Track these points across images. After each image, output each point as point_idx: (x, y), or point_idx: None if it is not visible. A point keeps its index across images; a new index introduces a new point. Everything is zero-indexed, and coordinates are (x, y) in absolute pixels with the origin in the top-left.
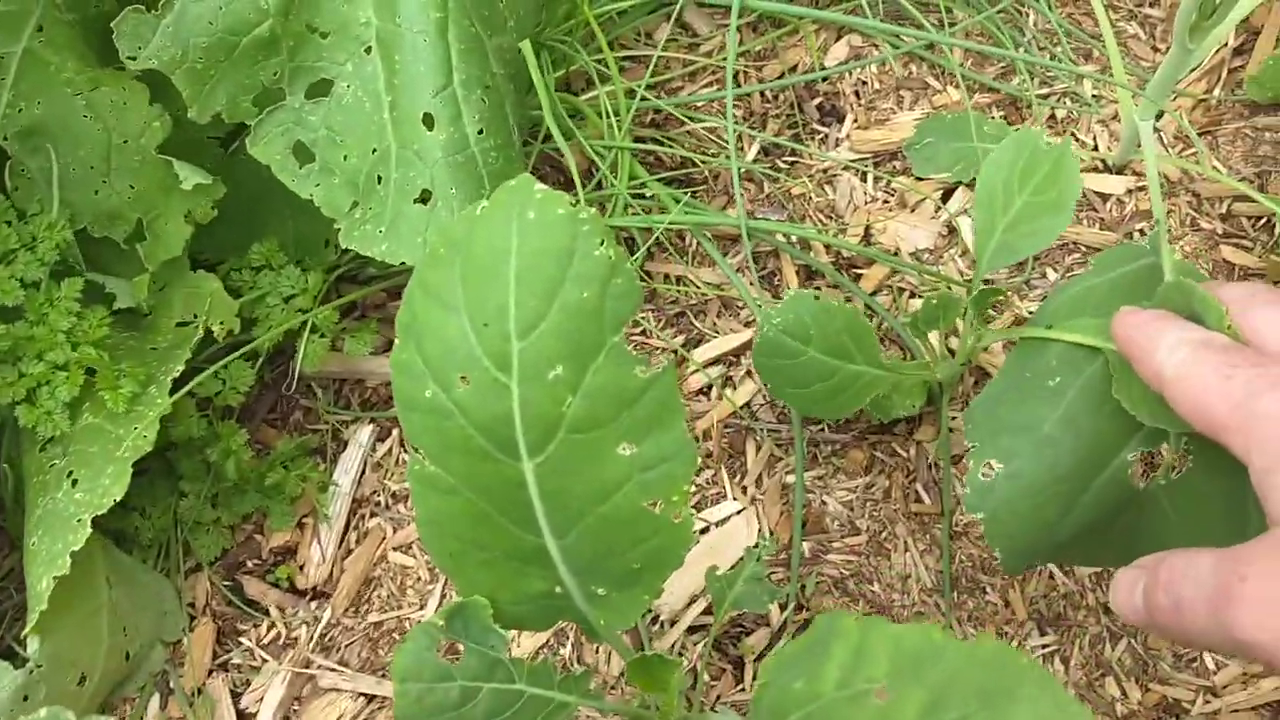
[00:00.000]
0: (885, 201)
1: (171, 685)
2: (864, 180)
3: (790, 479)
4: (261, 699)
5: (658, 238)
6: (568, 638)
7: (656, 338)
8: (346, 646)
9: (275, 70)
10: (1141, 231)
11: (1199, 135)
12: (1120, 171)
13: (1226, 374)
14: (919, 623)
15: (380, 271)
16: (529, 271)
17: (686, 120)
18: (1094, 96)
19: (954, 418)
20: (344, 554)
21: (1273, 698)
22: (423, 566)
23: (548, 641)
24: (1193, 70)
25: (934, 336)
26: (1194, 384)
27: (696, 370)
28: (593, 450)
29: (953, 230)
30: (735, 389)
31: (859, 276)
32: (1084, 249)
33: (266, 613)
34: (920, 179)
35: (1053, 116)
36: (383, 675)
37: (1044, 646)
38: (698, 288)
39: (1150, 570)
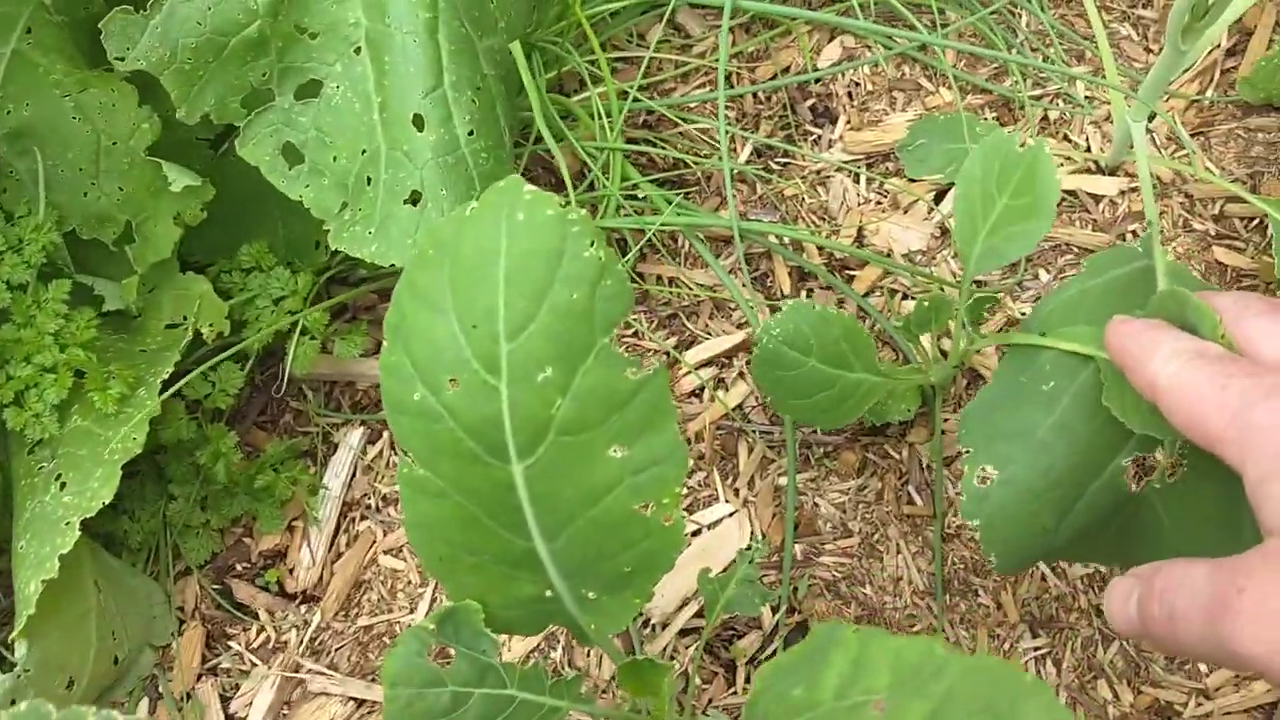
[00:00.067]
0: (878, 203)
1: (160, 689)
2: (857, 181)
3: (782, 481)
4: (251, 703)
5: (650, 239)
6: (559, 641)
7: (649, 339)
8: (336, 650)
9: (264, 71)
10: (1134, 233)
11: (1191, 136)
12: (1113, 173)
13: (1221, 384)
14: (915, 629)
15: (370, 273)
16: (518, 273)
17: (679, 121)
18: (1086, 98)
19: (946, 419)
20: (334, 557)
21: (1265, 699)
22: (413, 570)
23: (539, 645)
24: (1185, 71)
25: (926, 339)
26: (1188, 394)
27: (689, 372)
28: (583, 453)
29: (945, 231)
30: (727, 391)
31: (852, 278)
32: (1077, 250)
33: (256, 616)
34: (913, 180)
35: (1045, 118)
36: (373, 679)
37: (1036, 649)
38: (690, 289)
39: (1145, 580)
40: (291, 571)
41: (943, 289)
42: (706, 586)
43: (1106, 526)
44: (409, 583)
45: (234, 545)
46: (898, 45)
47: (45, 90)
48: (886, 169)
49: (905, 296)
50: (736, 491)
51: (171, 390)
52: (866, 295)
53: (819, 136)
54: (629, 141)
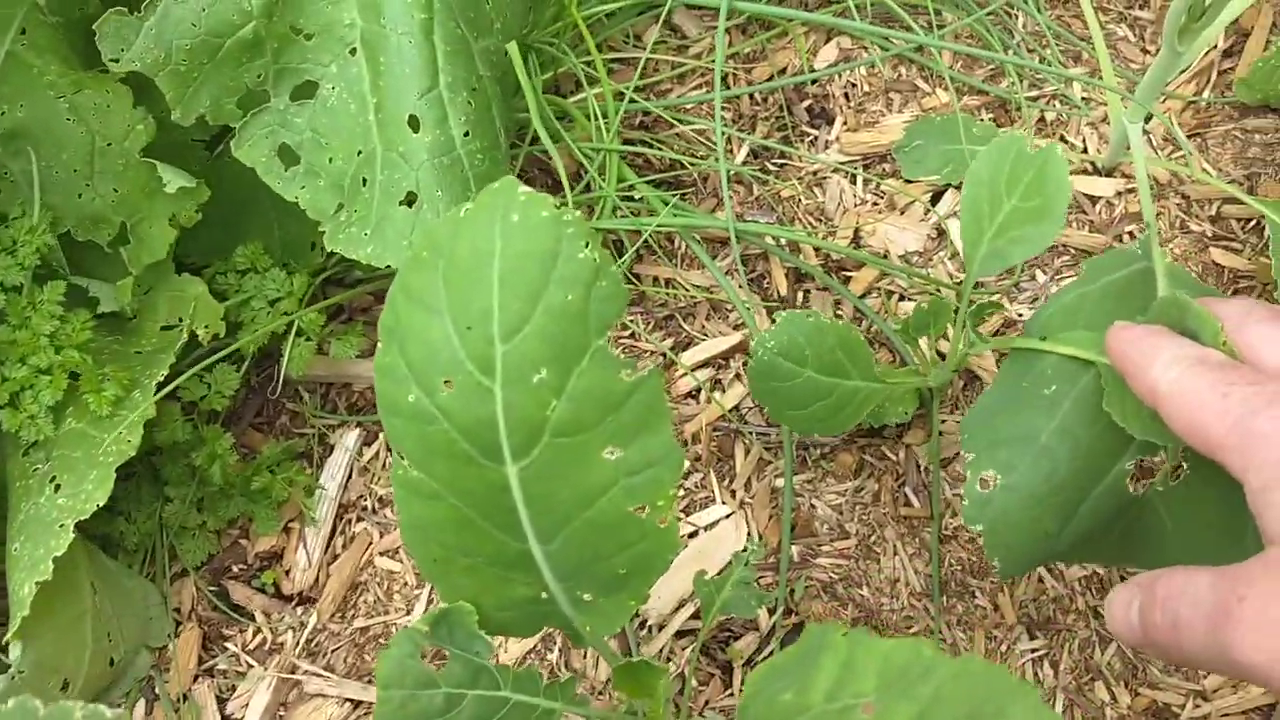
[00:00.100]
0: (874, 204)
1: (157, 691)
2: (853, 183)
3: (779, 482)
4: (247, 705)
5: (646, 240)
6: (555, 643)
7: (645, 340)
8: (332, 652)
9: (259, 72)
10: (1131, 234)
11: (1188, 137)
12: (1109, 174)
13: (1223, 391)
14: (912, 630)
15: (366, 274)
16: (513, 274)
17: (675, 122)
18: (1083, 99)
19: (944, 421)
20: (330, 559)
21: (1262, 701)
22: (409, 571)
23: (534, 647)
24: (1182, 72)
25: (924, 341)
26: (1190, 401)
27: (685, 373)
28: (578, 454)
29: (942, 233)
30: (724, 392)
31: (848, 279)
32: (1074, 251)
33: (252, 618)
34: (909, 181)
35: (1042, 119)
36: (369, 681)
37: (1033, 650)
38: (686, 290)
39: (1146, 588)
40: (288, 573)
41: (940, 291)
42: (703, 588)
43: (1110, 530)
44: (405, 584)
45: (230, 547)
46: (894, 46)
47: (40, 91)
48: (883, 170)
49: (902, 298)
50: (733, 493)
51: (166, 392)
52: (863, 296)
53: (815, 138)
54: (625, 143)
